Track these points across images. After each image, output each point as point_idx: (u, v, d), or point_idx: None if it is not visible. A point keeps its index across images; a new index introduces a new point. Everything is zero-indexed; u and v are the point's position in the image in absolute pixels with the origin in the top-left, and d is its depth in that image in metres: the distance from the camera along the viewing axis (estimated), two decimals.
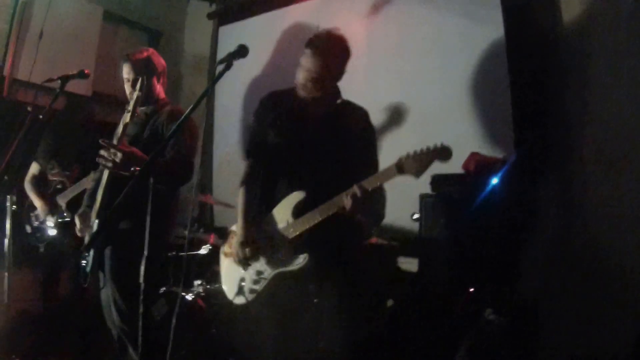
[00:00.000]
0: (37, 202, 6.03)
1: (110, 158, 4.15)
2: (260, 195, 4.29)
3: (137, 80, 4.66)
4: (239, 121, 8.64)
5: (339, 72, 4.13)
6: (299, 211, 3.93)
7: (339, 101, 4.21)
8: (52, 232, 5.92)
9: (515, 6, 5.94)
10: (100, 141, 4.24)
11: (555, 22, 5.76)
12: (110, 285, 4.63)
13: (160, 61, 5.08)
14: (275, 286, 3.97)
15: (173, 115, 4.78)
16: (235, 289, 4.14)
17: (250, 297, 4.06)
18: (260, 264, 4.05)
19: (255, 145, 4.40)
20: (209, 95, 3.71)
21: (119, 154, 4.13)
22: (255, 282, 4.04)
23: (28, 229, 6.15)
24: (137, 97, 4.45)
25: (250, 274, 4.08)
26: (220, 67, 3.71)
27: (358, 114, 4.23)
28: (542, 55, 5.81)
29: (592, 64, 5.51)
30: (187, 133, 4.62)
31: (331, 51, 4.02)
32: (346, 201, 3.69)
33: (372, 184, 3.68)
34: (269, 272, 3.99)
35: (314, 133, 4.11)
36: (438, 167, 5.57)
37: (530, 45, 5.87)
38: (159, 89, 5.05)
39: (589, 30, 5.56)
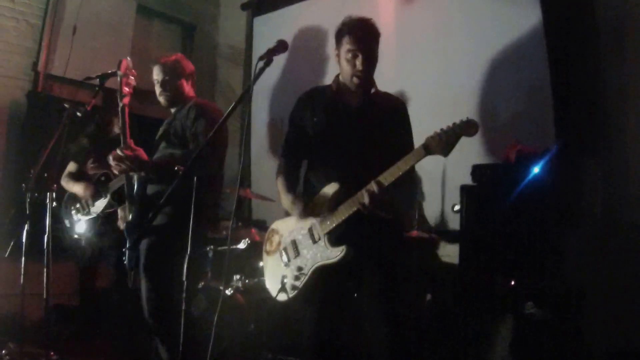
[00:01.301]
0: (77, 187, 6.04)
1: (116, 164, 4.44)
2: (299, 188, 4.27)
3: (165, 83, 4.96)
4: (274, 114, 8.61)
5: (377, 58, 4.10)
6: (334, 204, 3.88)
7: (373, 91, 4.14)
8: (93, 216, 5.96)
9: None
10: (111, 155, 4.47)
11: (592, 4, 5.67)
12: (143, 279, 4.66)
13: (188, 64, 5.20)
14: (315, 280, 3.92)
15: (193, 107, 4.90)
16: (278, 286, 4.08)
17: (292, 293, 4.00)
18: (300, 259, 3.99)
19: (289, 145, 4.36)
20: (251, 92, 3.69)
21: (123, 157, 4.40)
22: (296, 278, 3.99)
23: (67, 223, 6.15)
24: (120, 77, 4.80)
25: (291, 269, 4.03)
26: (260, 64, 3.66)
27: (393, 104, 4.20)
28: (580, 38, 5.74)
29: (630, 47, 5.43)
30: (205, 120, 4.71)
31: (371, 36, 4.01)
32: (365, 198, 3.63)
33: (393, 174, 3.61)
34: (308, 267, 3.92)
35: (349, 124, 4.05)
36: (479, 158, 5.55)
37: (568, 28, 5.80)
38: (188, 88, 5.14)
39: (627, 11, 5.47)
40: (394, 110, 4.13)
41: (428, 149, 3.53)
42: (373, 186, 3.61)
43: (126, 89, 4.80)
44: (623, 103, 5.45)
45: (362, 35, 3.95)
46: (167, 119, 5.15)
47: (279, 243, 4.20)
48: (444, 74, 6.61)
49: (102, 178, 5.96)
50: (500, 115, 6.13)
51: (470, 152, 6.14)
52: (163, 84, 5.00)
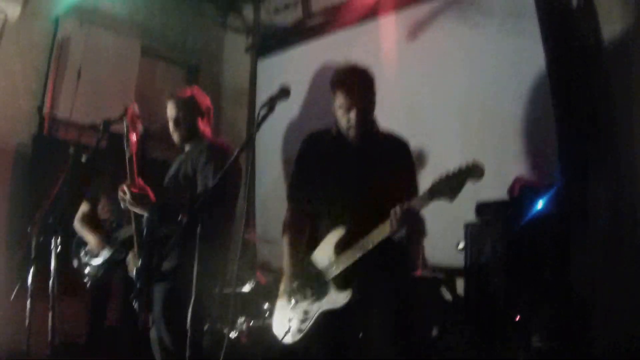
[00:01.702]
0: (90, 237, 6.01)
1: (124, 198, 4.41)
2: (305, 237, 4.24)
3: (179, 119, 4.82)
4: (279, 157, 8.65)
5: (375, 104, 4.09)
6: (340, 248, 3.88)
7: (375, 132, 4.15)
8: (99, 262, 5.93)
9: (553, 18, 5.89)
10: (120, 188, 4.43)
11: (595, 37, 5.71)
12: (158, 324, 4.58)
13: (204, 100, 5.02)
14: (320, 324, 3.91)
15: (205, 149, 4.75)
16: (284, 329, 4.08)
17: (298, 336, 4.00)
18: (307, 304, 3.99)
19: (295, 190, 4.36)
20: (254, 139, 3.72)
21: (128, 195, 4.37)
22: (302, 321, 3.98)
23: (75, 263, 6.15)
24: (127, 125, 4.59)
25: (297, 313, 4.03)
26: (262, 111, 3.67)
27: (396, 145, 4.18)
28: (584, 70, 5.75)
29: (636, 77, 5.44)
30: (217, 161, 4.57)
31: (363, 87, 4.00)
32: (391, 225, 3.64)
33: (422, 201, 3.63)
34: (314, 311, 3.93)
35: (351, 168, 4.06)
36: (482, 194, 5.56)
37: (571, 61, 5.82)
38: (203, 126, 4.96)
39: (630, 41, 5.50)
40: (395, 151, 4.14)
41: (433, 194, 3.52)
42: (397, 210, 3.61)
43: (133, 137, 4.61)
44: (629, 125, 5.46)
45: (353, 88, 3.94)
46: (179, 156, 5.03)
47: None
48: (446, 111, 6.63)
49: (114, 225, 5.97)
50: (504, 149, 6.13)
51: (473, 187, 6.15)
52: (177, 121, 4.85)
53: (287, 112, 8.26)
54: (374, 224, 3.70)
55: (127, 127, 4.57)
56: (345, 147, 4.12)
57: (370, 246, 3.72)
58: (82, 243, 6.11)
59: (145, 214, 4.51)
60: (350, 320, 3.95)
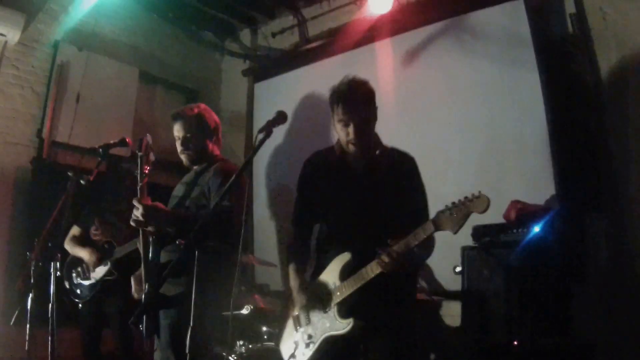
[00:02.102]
0: (83, 252, 6.03)
1: (134, 216, 4.28)
2: (309, 261, 4.26)
3: (187, 139, 4.73)
4: (276, 179, 8.67)
5: (375, 118, 4.08)
6: (345, 273, 3.87)
7: (377, 152, 4.10)
8: (91, 282, 5.99)
9: (548, 48, 5.95)
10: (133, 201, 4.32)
11: (591, 67, 5.75)
12: (165, 353, 4.53)
13: (212, 117, 4.94)
14: (323, 349, 3.92)
15: (218, 171, 4.63)
16: (290, 352, 4.10)
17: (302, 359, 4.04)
18: (311, 328, 3.99)
19: (298, 214, 4.37)
20: (251, 163, 3.73)
21: (140, 209, 4.23)
22: (307, 345, 3.98)
23: (66, 284, 6.16)
24: (141, 158, 4.46)
25: (302, 336, 4.03)
26: (260, 136, 3.69)
27: (399, 162, 4.12)
28: (580, 95, 5.81)
29: (632, 101, 5.51)
30: (234, 188, 4.29)
31: (362, 102, 3.97)
32: (376, 268, 3.66)
33: (401, 247, 3.58)
34: (318, 336, 3.92)
35: (355, 188, 4.05)
36: (479, 218, 5.58)
37: (567, 86, 5.88)
38: (212, 146, 4.88)
39: (627, 72, 5.54)
40: (400, 168, 4.07)
41: (437, 225, 3.51)
42: (385, 258, 3.59)
43: (146, 169, 4.49)
44: (626, 157, 5.49)
45: (352, 103, 3.91)
46: (186, 176, 4.95)
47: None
48: (443, 135, 6.66)
49: (106, 246, 5.98)
50: (501, 173, 6.16)
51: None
52: (185, 142, 4.76)
53: (283, 135, 8.30)
54: (379, 245, 3.68)
55: (141, 158, 4.47)
56: (348, 166, 4.12)
57: (370, 276, 3.72)
58: (74, 265, 6.12)
59: (153, 232, 4.43)
60: (353, 347, 3.96)
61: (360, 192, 4.02)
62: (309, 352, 3.97)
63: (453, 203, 3.50)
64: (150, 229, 4.38)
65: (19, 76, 7.66)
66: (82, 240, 6.21)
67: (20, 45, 7.62)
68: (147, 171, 4.49)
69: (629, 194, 5.45)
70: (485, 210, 3.42)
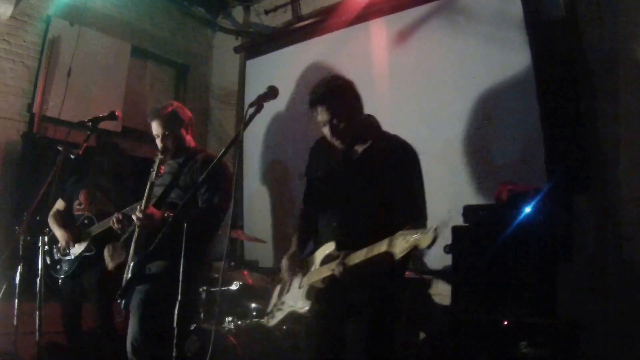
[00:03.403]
0: (59, 232, 6.06)
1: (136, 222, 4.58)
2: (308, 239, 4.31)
3: (165, 135, 4.97)
4: (266, 157, 8.69)
5: (353, 112, 4.06)
6: (324, 262, 3.92)
7: (369, 143, 4.07)
8: (70, 258, 6.00)
9: (540, 29, 5.97)
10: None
11: (581, 42, 5.75)
12: (132, 317, 4.71)
13: (185, 112, 5.21)
14: (287, 320, 4.00)
15: (206, 162, 4.87)
16: (268, 310, 4.26)
17: (272, 322, 4.19)
18: (286, 297, 4.11)
19: (305, 194, 4.45)
20: (241, 137, 3.74)
21: (142, 217, 4.52)
22: (278, 309, 4.12)
23: (47, 260, 6.15)
24: (160, 160, 4.72)
25: (279, 301, 4.15)
26: (250, 110, 3.72)
27: (396, 152, 4.05)
28: (571, 75, 5.81)
29: (622, 83, 5.50)
30: (222, 181, 4.75)
31: (337, 101, 3.97)
32: (336, 271, 3.69)
33: (359, 257, 3.61)
34: (286, 307, 4.06)
35: (344, 176, 4.07)
36: (470, 198, 5.58)
37: (558, 66, 5.88)
38: (189, 138, 5.18)
39: (617, 57, 5.54)
40: (390, 155, 4.00)
41: (391, 245, 3.46)
42: (340, 268, 3.64)
43: (162, 170, 4.77)
44: (616, 139, 5.50)
45: (326, 107, 3.94)
46: (169, 167, 5.10)
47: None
48: (435, 115, 6.65)
49: (85, 222, 6.00)
50: (491, 155, 6.17)
51: (462, 192, 6.18)
52: (164, 138, 5.00)
53: (275, 113, 8.29)
54: (369, 234, 3.67)
55: (160, 160, 4.73)
56: (342, 156, 4.14)
57: (325, 275, 3.81)
58: (54, 241, 6.13)
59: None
60: (326, 332, 3.99)
61: (347, 179, 4.05)
62: (279, 316, 4.12)
63: (408, 230, 3.41)
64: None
65: (11, 50, 7.62)
66: (63, 217, 6.24)
67: (13, 20, 7.57)
68: (162, 172, 4.78)
69: (617, 178, 5.47)
70: (429, 246, 3.30)
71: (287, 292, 4.13)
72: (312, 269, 3.98)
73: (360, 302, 3.86)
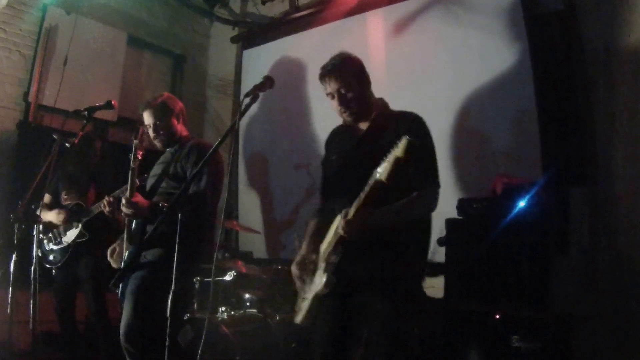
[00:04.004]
0: (52, 215, 6.13)
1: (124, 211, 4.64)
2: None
3: (157, 126, 5.08)
4: (261, 146, 8.67)
5: (361, 84, 4.09)
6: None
7: (373, 115, 4.10)
8: (63, 246, 6.05)
9: (537, 21, 5.95)
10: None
11: (579, 35, 5.74)
12: (126, 304, 4.74)
13: (175, 103, 5.28)
14: (316, 307, 3.94)
15: (194, 148, 4.98)
16: (296, 307, 4.16)
17: (299, 316, 4.07)
18: (311, 285, 3.99)
19: (322, 185, 4.46)
20: (237, 127, 3.74)
21: (128, 208, 4.60)
22: (303, 299, 4.04)
23: (39, 252, 6.15)
24: (136, 145, 4.76)
25: (302, 293, 4.08)
26: (246, 100, 3.74)
27: (396, 122, 4.05)
28: (567, 68, 5.80)
29: (619, 79, 5.50)
30: (209, 166, 4.76)
31: (346, 74, 4.01)
32: (341, 231, 3.67)
33: (356, 206, 3.61)
34: (309, 294, 3.96)
35: (355, 155, 4.06)
36: (465, 191, 5.58)
37: (555, 59, 5.87)
38: (180, 128, 5.24)
39: (615, 50, 5.54)
40: (395, 125, 3.97)
41: (377, 174, 3.43)
42: (342, 223, 3.64)
43: (139, 154, 4.81)
44: (611, 133, 5.49)
45: (333, 77, 3.99)
46: (162, 157, 5.24)
47: None
48: (431, 106, 6.62)
49: (75, 208, 6.02)
50: (487, 147, 6.16)
51: (456, 185, 6.18)
52: (155, 129, 5.10)
53: (271, 103, 8.29)
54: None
55: (136, 145, 4.77)
56: (351, 133, 4.18)
57: (336, 238, 3.77)
58: (45, 232, 6.14)
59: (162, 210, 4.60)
60: (341, 308, 3.97)
61: (355, 157, 4.04)
62: (301, 312, 4.02)
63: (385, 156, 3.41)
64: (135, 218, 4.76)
65: (7, 39, 7.62)
66: (52, 206, 6.28)
67: (9, 8, 7.57)
68: (139, 157, 4.79)
69: (612, 172, 5.46)
70: (405, 151, 3.27)
71: (303, 283, 4.05)
72: (325, 247, 3.92)
73: (373, 276, 3.80)
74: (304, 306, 4.01)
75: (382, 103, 4.25)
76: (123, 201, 4.58)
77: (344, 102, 4.00)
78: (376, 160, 3.60)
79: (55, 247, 6.11)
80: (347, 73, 4.01)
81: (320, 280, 3.83)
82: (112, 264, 5.00)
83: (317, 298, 3.90)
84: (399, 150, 3.28)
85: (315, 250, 4.07)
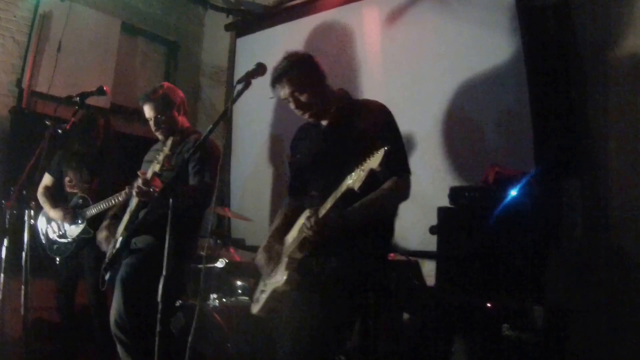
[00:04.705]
0: (53, 212, 6.10)
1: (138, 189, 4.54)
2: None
3: (158, 119, 5.06)
4: (258, 135, 8.66)
5: (314, 83, 4.04)
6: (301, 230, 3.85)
7: (334, 109, 4.08)
8: (68, 240, 6.06)
9: (532, 14, 5.93)
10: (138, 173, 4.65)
11: (573, 30, 5.74)
12: (117, 292, 4.77)
13: (177, 94, 5.26)
14: (269, 301, 3.96)
15: (194, 143, 4.95)
16: (254, 296, 4.18)
17: (255, 307, 4.10)
18: (271, 277, 3.99)
19: (290, 182, 4.45)
20: (229, 114, 3.74)
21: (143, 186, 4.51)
22: (262, 292, 4.05)
23: (42, 239, 6.19)
24: (166, 155, 4.53)
25: (261, 284, 4.09)
26: (238, 87, 3.76)
27: (362, 111, 4.05)
28: (561, 63, 5.79)
29: (612, 69, 5.52)
30: (212, 159, 4.83)
31: (293, 71, 3.99)
32: (306, 231, 3.67)
33: (326, 206, 3.59)
34: (268, 287, 3.97)
35: (320, 150, 4.07)
36: (457, 180, 5.58)
37: (549, 51, 5.87)
38: (181, 119, 5.24)
39: (609, 44, 5.54)
40: (357, 116, 3.98)
41: (350, 180, 3.42)
42: (309, 222, 3.63)
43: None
44: (605, 126, 5.51)
45: (286, 81, 3.98)
46: (159, 145, 5.22)
47: None
48: (424, 96, 6.65)
49: (80, 202, 6.01)
50: (479, 137, 6.17)
51: (448, 174, 6.19)
52: (156, 121, 5.10)
53: (265, 92, 8.27)
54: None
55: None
56: (314, 133, 4.20)
57: (300, 237, 3.77)
58: (49, 221, 6.14)
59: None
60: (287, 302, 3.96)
61: (323, 154, 4.03)
62: (258, 304, 4.06)
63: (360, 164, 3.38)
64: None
65: (1, 25, 7.61)
66: (53, 192, 6.30)
67: None
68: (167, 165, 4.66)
69: (606, 164, 5.48)
70: (380, 163, 3.24)
71: (266, 275, 4.04)
72: (290, 241, 3.92)
73: (336, 274, 3.79)
74: (261, 298, 4.03)
75: (342, 94, 4.23)
76: (140, 182, 4.52)
77: (301, 106, 4.00)
78: (341, 156, 3.75)
79: (59, 240, 6.12)
80: (298, 75, 3.99)
81: (281, 276, 3.82)
82: (101, 247, 5.07)
83: (276, 292, 3.91)
84: (374, 161, 3.25)
85: (280, 240, 4.08)
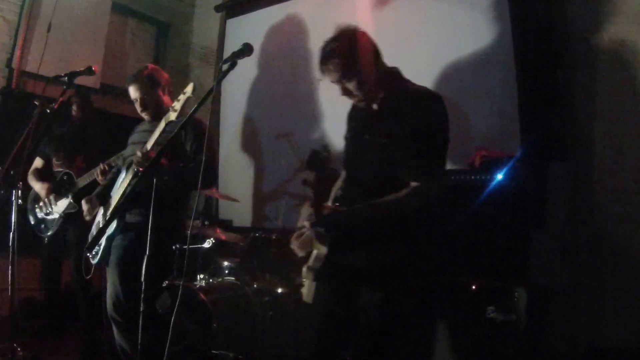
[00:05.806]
0: (38, 186, 6.19)
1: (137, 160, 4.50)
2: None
3: (144, 100, 5.03)
4: (244, 115, 8.70)
5: (365, 68, 3.72)
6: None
7: (383, 94, 3.78)
8: (55, 217, 6.10)
9: (524, 3, 5.95)
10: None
11: (562, 14, 5.76)
12: (112, 275, 4.77)
13: (161, 74, 5.23)
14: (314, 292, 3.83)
15: (191, 122, 4.82)
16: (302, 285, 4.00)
17: (304, 296, 3.89)
18: (306, 270, 3.79)
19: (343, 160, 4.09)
20: (214, 93, 3.73)
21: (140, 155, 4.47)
22: (304, 281, 3.90)
23: (31, 219, 6.23)
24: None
25: (303, 274, 3.84)
26: (225, 66, 3.70)
27: (404, 100, 3.72)
28: (549, 47, 5.82)
29: (600, 54, 5.56)
30: (211, 139, 4.78)
31: (340, 55, 3.66)
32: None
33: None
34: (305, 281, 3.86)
35: (360, 137, 3.82)
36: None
37: (537, 35, 5.89)
38: (166, 99, 5.18)
39: (598, 29, 5.57)
40: (403, 108, 3.67)
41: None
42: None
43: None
44: (591, 111, 5.55)
45: (334, 65, 3.66)
46: (144, 126, 5.23)
47: None
48: (411, 77, 6.65)
49: (65, 177, 6.06)
50: (466, 120, 6.19)
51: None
52: (142, 102, 5.06)
53: (254, 73, 8.29)
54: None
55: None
56: (363, 114, 3.90)
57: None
58: (36, 200, 6.18)
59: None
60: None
61: (361, 142, 3.80)
62: (306, 289, 3.89)
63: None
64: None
65: None
66: (43, 173, 6.37)
67: None
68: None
69: (592, 148, 5.51)
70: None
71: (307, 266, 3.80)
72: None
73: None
74: (306, 285, 3.88)
75: (393, 75, 3.95)
76: (139, 154, 4.46)
77: (347, 92, 3.73)
78: (380, 149, 3.57)
79: (46, 217, 6.17)
80: (346, 61, 3.68)
81: (307, 290, 3.79)
82: (85, 216, 5.10)
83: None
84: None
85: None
